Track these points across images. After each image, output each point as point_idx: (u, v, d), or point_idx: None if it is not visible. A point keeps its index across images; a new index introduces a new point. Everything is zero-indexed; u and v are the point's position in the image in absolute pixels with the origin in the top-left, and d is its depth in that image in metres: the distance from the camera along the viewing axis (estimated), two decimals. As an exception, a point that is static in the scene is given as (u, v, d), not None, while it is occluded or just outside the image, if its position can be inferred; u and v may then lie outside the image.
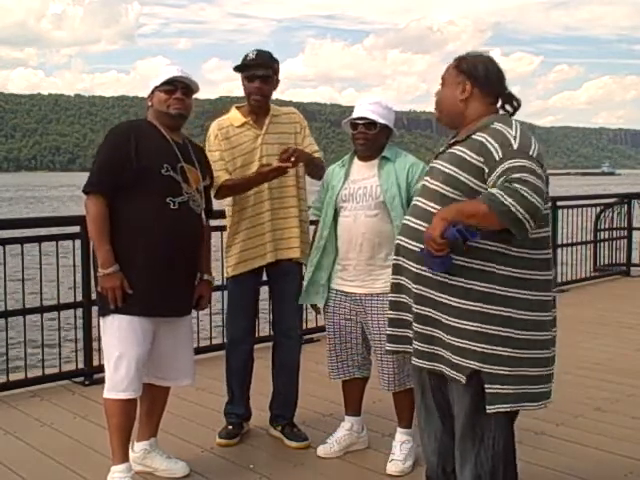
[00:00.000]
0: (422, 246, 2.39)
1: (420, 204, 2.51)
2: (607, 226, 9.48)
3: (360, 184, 3.40)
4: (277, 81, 3.68)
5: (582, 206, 9.10)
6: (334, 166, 3.59)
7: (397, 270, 2.59)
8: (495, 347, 2.36)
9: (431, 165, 2.57)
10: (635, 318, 6.81)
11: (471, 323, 2.35)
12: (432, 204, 2.44)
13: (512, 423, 2.49)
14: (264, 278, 3.88)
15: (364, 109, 3.34)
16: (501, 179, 2.25)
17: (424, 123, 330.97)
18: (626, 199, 9.61)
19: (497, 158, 2.30)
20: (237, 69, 3.63)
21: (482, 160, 2.34)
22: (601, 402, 4.40)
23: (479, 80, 2.51)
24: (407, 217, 2.57)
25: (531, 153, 2.31)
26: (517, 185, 2.20)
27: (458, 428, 2.46)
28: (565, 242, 8.80)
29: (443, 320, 2.41)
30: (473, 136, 2.41)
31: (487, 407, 2.37)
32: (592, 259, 9.38)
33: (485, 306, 2.35)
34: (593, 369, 5.08)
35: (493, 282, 2.35)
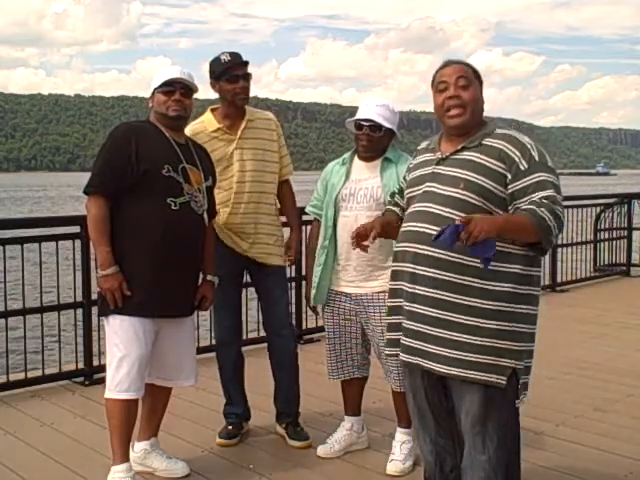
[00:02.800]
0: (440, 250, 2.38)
1: (432, 210, 2.45)
2: (607, 226, 9.48)
3: (361, 184, 3.39)
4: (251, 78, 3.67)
5: (582, 206, 9.10)
6: (333, 164, 3.58)
7: (396, 276, 2.58)
8: (523, 343, 2.44)
9: (434, 172, 2.52)
10: (635, 318, 6.81)
11: (496, 322, 2.38)
12: (449, 209, 2.40)
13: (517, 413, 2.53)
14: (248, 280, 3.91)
15: (371, 111, 3.32)
16: (535, 195, 2.33)
17: (424, 123, 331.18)
18: (626, 199, 9.61)
19: (522, 168, 2.37)
20: (218, 75, 3.57)
21: (503, 166, 2.39)
22: (601, 402, 4.40)
23: (482, 85, 2.58)
24: (415, 224, 2.49)
25: (550, 164, 2.41)
26: (553, 204, 2.30)
27: (467, 424, 2.45)
28: (565, 242, 8.79)
29: (461, 321, 2.40)
30: (484, 142, 2.44)
31: (517, 401, 2.46)
32: (592, 259, 9.39)
33: (507, 305, 2.39)
34: (593, 369, 5.08)
35: (510, 281, 2.39)
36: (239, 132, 3.64)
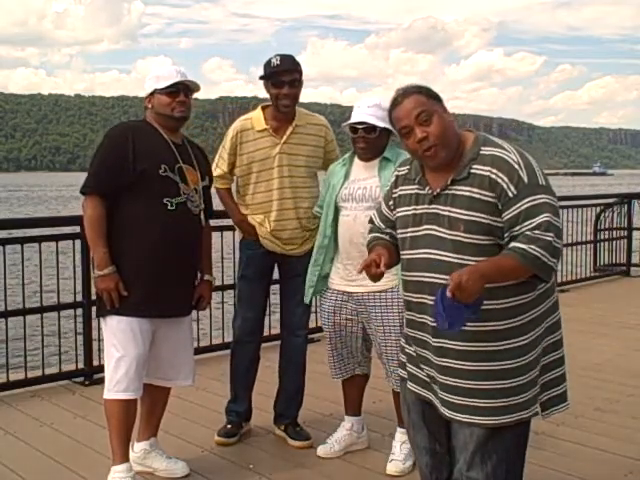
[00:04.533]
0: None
1: (441, 257, 2.29)
2: (607, 226, 9.48)
3: (360, 184, 3.40)
4: (302, 84, 3.66)
5: (582, 206, 9.10)
6: (334, 165, 3.59)
7: (413, 324, 2.45)
8: (547, 355, 2.35)
9: (429, 212, 2.33)
10: (635, 318, 6.81)
11: (529, 355, 2.28)
12: (459, 256, 2.26)
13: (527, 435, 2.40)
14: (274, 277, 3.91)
15: (363, 113, 3.31)
16: (527, 225, 2.16)
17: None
18: (626, 199, 9.61)
19: (511, 195, 2.19)
20: (264, 77, 3.60)
21: (493, 195, 2.22)
22: (601, 402, 4.40)
23: (441, 100, 2.36)
24: (424, 274, 2.34)
25: (541, 182, 2.22)
26: (546, 234, 2.14)
27: (471, 442, 2.34)
28: (565, 242, 8.79)
29: (500, 367, 2.28)
30: (472, 171, 2.26)
31: (544, 414, 2.35)
32: (592, 259, 9.38)
33: (531, 334, 2.28)
34: (593, 369, 5.08)
35: (529, 309, 2.28)
36: (284, 137, 3.64)
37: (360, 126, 3.32)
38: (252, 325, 3.82)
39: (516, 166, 2.23)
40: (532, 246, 2.13)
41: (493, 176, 2.22)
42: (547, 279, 2.21)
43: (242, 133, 3.66)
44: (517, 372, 2.28)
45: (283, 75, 3.55)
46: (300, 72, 3.62)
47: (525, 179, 2.21)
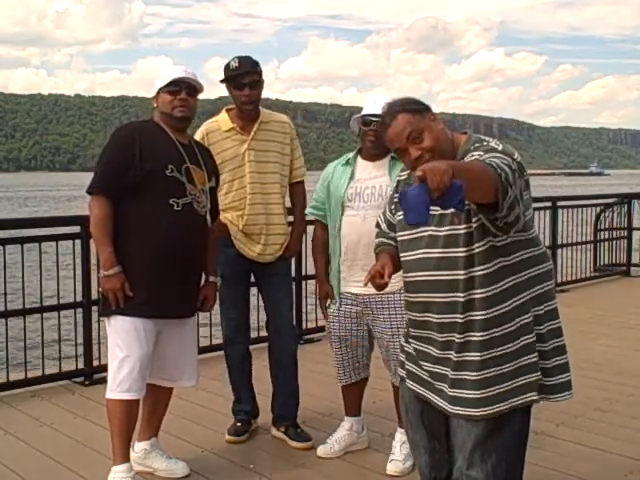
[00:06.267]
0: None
1: (427, 255, 2.33)
2: (607, 226, 9.48)
3: (367, 183, 3.38)
4: (263, 83, 3.67)
5: (582, 206, 9.12)
6: (335, 164, 3.56)
7: (422, 325, 2.45)
8: (545, 343, 2.37)
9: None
10: (635, 318, 6.81)
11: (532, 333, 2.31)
12: (444, 249, 2.29)
13: (526, 435, 2.40)
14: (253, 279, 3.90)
15: (380, 107, 3.32)
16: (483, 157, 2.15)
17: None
18: (626, 199, 9.62)
19: (479, 157, 2.19)
20: (224, 81, 3.62)
21: None
22: (601, 402, 4.40)
23: (428, 109, 2.37)
24: (414, 274, 2.39)
25: (515, 157, 2.21)
26: (502, 161, 2.09)
27: (469, 441, 2.34)
28: (565, 242, 8.80)
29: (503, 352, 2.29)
30: None
31: (552, 397, 2.35)
32: (592, 259, 9.39)
33: (531, 312, 2.31)
34: (593, 369, 5.08)
35: (523, 291, 2.29)
36: (251, 133, 3.67)
37: (374, 118, 3.30)
38: (236, 325, 3.83)
39: (495, 145, 2.23)
40: (492, 160, 2.08)
41: (471, 158, 2.21)
42: (504, 196, 2.04)
43: (209, 135, 3.67)
44: (511, 356, 2.28)
45: (243, 77, 3.56)
46: (259, 73, 3.63)
47: (499, 149, 2.20)
